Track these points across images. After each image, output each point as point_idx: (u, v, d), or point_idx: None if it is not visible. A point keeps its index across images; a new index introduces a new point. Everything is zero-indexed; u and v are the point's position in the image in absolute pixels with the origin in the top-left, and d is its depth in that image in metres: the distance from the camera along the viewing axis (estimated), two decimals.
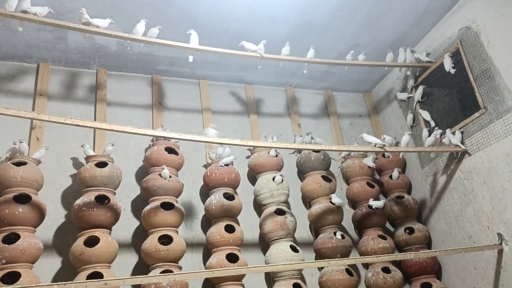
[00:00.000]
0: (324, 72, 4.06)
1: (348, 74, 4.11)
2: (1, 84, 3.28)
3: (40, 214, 2.69)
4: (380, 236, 3.38)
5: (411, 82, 3.85)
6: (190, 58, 3.02)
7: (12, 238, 2.54)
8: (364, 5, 3.27)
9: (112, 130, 2.46)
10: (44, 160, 2.98)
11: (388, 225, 3.70)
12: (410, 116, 3.80)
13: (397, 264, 3.44)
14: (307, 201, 3.62)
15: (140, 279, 2.27)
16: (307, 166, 3.54)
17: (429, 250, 3.37)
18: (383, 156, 3.82)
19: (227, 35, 3.35)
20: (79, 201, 2.78)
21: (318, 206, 3.37)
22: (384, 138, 3.06)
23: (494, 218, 2.97)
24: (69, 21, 2.77)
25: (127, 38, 2.82)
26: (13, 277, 2.44)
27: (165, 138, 3.12)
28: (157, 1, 3.00)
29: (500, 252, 2.90)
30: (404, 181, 3.71)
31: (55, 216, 2.98)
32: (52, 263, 2.85)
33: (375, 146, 3.00)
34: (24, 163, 2.75)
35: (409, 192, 3.75)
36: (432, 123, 3.52)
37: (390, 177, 3.70)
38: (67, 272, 2.80)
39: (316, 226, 3.44)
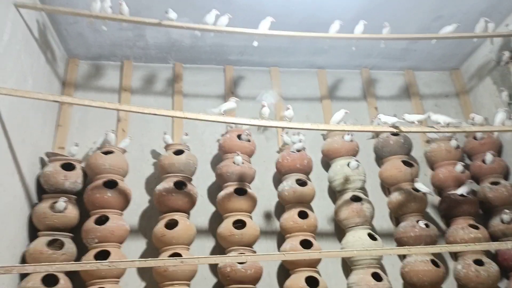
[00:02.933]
0: (403, 50, 3.78)
1: (431, 51, 3.77)
2: (91, 82, 3.61)
3: (126, 198, 2.91)
4: (471, 226, 3.05)
5: (506, 55, 3.39)
6: (255, 43, 3.02)
7: (102, 220, 2.78)
8: None
9: (186, 118, 2.57)
10: (129, 150, 3.21)
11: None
12: (505, 93, 3.36)
13: (492, 257, 3.07)
14: (386, 187, 3.41)
15: (213, 259, 2.34)
16: (385, 150, 3.33)
17: None
18: (475, 138, 3.44)
19: (295, 19, 3.28)
20: (159, 187, 2.95)
21: (399, 193, 3.15)
22: (473, 118, 2.74)
23: None
24: (146, 17, 2.95)
25: (197, 28, 2.91)
26: (105, 255, 2.67)
27: (236, 125, 3.17)
28: None
29: None
30: (499, 165, 3.31)
31: (140, 201, 3.20)
32: (138, 245, 3.07)
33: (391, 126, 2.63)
34: (111, 152, 3.00)
35: (506, 178, 3.33)
36: None
37: (483, 161, 3.31)
38: (151, 252, 3.00)
39: (396, 214, 3.22)
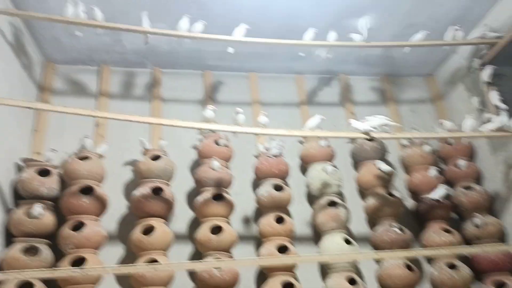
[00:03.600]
0: (378, 56, 3.86)
1: (405, 57, 3.83)
2: (68, 86, 3.59)
3: (103, 204, 2.90)
4: (444, 230, 3.13)
5: (477, 62, 3.50)
6: (230, 50, 3.05)
7: (79, 226, 2.77)
8: None
9: (161, 124, 2.60)
10: (108, 155, 3.20)
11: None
12: (475, 99, 3.46)
13: (465, 261, 3.16)
14: (363, 192, 3.48)
15: (187, 265, 2.36)
16: (361, 156, 3.40)
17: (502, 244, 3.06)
18: (448, 143, 3.53)
19: (272, 25, 3.31)
20: (136, 192, 2.95)
21: (374, 198, 3.21)
22: (441, 123, 2.83)
23: None
24: (122, 23, 2.96)
25: (172, 35, 2.93)
26: (81, 261, 2.65)
27: (212, 131, 3.20)
28: None
29: None
30: (472, 170, 3.40)
31: (118, 206, 3.18)
32: (116, 250, 3.05)
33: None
34: (88, 158, 2.98)
35: (478, 182, 3.43)
36: (502, 106, 3.17)
37: (456, 166, 3.41)
38: (129, 257, 2.98)
39: (372, 218, 3.29)
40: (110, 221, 3.10)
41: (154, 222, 2.87)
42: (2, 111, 2.75)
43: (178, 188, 3.28)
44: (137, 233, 2.82)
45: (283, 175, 3.21)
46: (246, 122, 3.49)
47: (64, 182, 2.98)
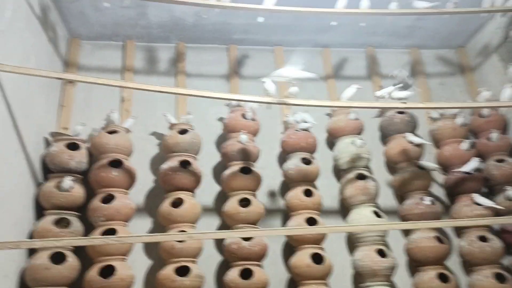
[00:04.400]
0: (409, 27, 3.72)
1: (436, 28, 3.71)
2: (93, 62, 3.58)
3: (132, 177, 2.92)
4: (475, 203, 3.05)
5: None
6: (260, 19, 2.98)
7: (108, 199, 2.79)
8: None
9: (190, 95, 2.56)
10: (133, 130, 3.21)
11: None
12: (511, 69, 3.31)
13: (496, 233, 3.08)
14: (391, 166, 3.41)
15: (220, 234, 2.36)
16: (390, 129, 3.31)
17: None
18: (480, 116, 3.42)
19: None
20: (164, 166, 2.96)
21: (403, 171, 3.14)
22: (480, 93, 2.72)
23: None
24: None
25: (201, 4, 2.86)
26: (111, 233, 2.69)
27: (244, 104, 3.16)
28: None
29: None
30: (505, 142, 3.29)
31: (145, 180, 3.20)
32: (144, 223, 3.08)
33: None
34: (116, 132, 2.99)
35: (511, 155, 3.32)
36: None
37: (489, 139, 3.30)
38: (157, 231, 3.01)
39: (401, 192, 3.23)
40: (137, 194, 3.12)
41: (183, 195, 2.88)
42: (31, 85, 2.76)
43: (204, 161, 3.28)
44: (166, 206, 2.84)
45: (311, 149, 3.17)
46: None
47: (92, 156, 3.01)
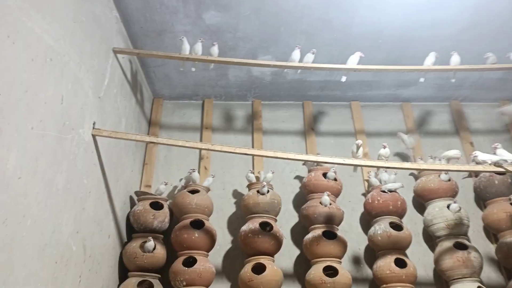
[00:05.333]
0: (499, 80, 3.48)
1: None
2: (174, 120, 3.70)
3: (212, 239, 2.85)
4: None
5: None
6: (343, 78, 2.91)
7: (189, 262, 2.73)
8: None
9: (275, 157, 2.48)
10: (211, 188, 3.19)
11: None
12: None
13: None
14: (492, 233, 3.05)
15: None
16: (489, 191, 2.99)
17: None
18: None
19: (381, 51, 3.15)
20: (245, 227, 2.86)
21: (511, 240, 2.78)
22: None
23: None
24: (231, 57, 2.99)
25: (285, 66, 2.87)
26: None
27: (317, 163, 3.04)
28: (310, 28, 3.01)
29: None
30: None
31: (223, 241, 3.13)
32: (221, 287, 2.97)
33: None
34: (197, 191, 2.98)
35: None
36: None
37: None
38: None
39: (508, 264, 2.84)
40: (215, 256, 3.04)
41: (264, 260, 2.74)
42: (120, 146, 2.87)
43: (282, 223, 3.15)
44: (247, 272, 2.70)
45: (400, 213, 2.93)
46: (350, 153, 3.35)
47: (172, 215, 3.00)
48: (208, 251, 2.84)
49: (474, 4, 2.79)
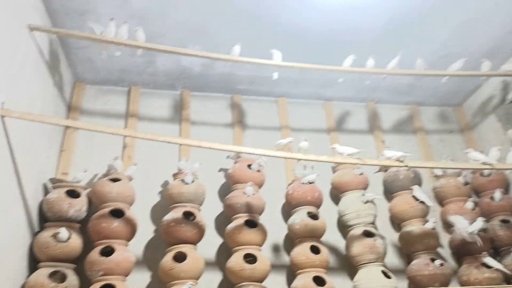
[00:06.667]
0: (409, 85, 3.84)
1: (435, 87, 3.84)
2: (97, 106, 3.54)
3: (133, 228, 2.79)
4: (483, 265, 3.00)
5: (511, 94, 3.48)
6: (275, 75, 3.03)
7: (107, 251, 2.65)
8: (457, 11, 3.05)
9: (200, 146, 2.52)
10: (134, 177, 3.12)
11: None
12: (511, 131, 3.41)
13: None
14: (396, 223, 3.37)
15: None
16: (395, 185, 3.31)
17: None
18: (482, 175, 3.45)
19: (307, 51, 3.31)
20: (167, 217, 2.85)
21: (411, 229, 3.10)
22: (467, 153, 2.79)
23: None
24: (159, 44, 2.94)
25: (212, 57, 2.89)
26: None
27: (246, 154, 3.13)
28: (237, 21, 3.07)
29: None
30: (508, 202, 3.30)
31: (145, 231, 3.07)
32: (142, 277, 2.92)
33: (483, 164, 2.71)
34: (118, 180, 2.90)
35: None
36: None
37: (492, 198, 3.31)
38: (156, 286, 2.86)
39: (408, 251, 3.16)
40: (136, 246, 2.98)
41: (186, 248, 2.75)
42: (34, 129, 2.68)
43: (206, 213, 3.18)
44: (168, 260, 2.70)
45: (318, 203, 3.12)
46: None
47: (91, 204, 2.89)
48: (128, 240, 2.77)
49: (388, 14, 3.05)
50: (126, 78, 3.59)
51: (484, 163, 2.73)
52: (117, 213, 2.77)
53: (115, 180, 2.89)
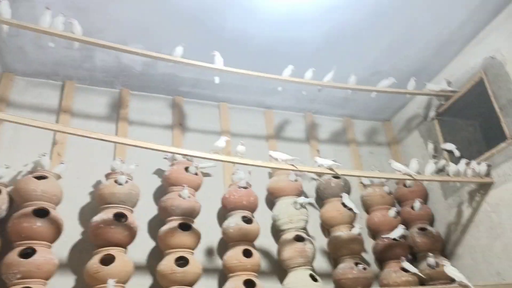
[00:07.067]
0: (343, 99, 4.05)
1: (367, 102, 4.09)
2: (27, 100, 3.34)
3: (57, 229, 2.66)
4: (402, 269, 3.23)
5: (433, 112, 3.81)
6: (217, 80, 3.06)
7: (28, 253, 2.49)
8: (387, 32, 3.29)
9: (135, 145, 2.47)
10: (64, 176, 2.97)
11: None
12: (430, 146, 3.73)
13: None
14: (326, 228, 3.53)
15: None
16: (327, 192, 3.47)
17: (454, 285, 3.20)
18: (404, 185, 3.73)
19: (249, 58, 3.38)
20: (97, 218, 2.75)
21: (338, 234, 3.27)
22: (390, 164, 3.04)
23: None
24: (98, 39, 2.85)
25: (155, 57, 2.86)
26: None
27: (184, 157, 3.12)
28: (181, 23, 3.06)
29: None
30: (426, 212, 3.60)
31: (71, 233, 2.94)
32: (65, 281, 2.79)
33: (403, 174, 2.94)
34: (45, 177, 2.75)
35: (431, 224, 3.63)
36: (457, 153, 3.44)
37: (412, 207, 3.59)
38: None
39: (335, 255, 3.33)
40: (61, 248, 2.83)
41: (115, 251, 2.67)
42: None
43: (139, 215, 3.12)
44: (94, 263, 2.60)
45: (252, 208, 3.18)
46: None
47: (13, 203, 2.71)
48: (52, 242, 2.63)
49: (326, 27, 3.21)
50: (61, 72, 3.43)
51: (404, 174, 2.95)
52: (41, 213, 2.62)
53: (40, 177, 2.73)
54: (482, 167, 3.12)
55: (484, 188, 3.18)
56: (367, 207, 3.65)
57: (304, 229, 3.30)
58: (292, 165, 2.78)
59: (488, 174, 3.13)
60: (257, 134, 3.96)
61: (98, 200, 2.89)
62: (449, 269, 2.80)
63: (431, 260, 3.26)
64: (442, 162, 3.41)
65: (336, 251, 3.27)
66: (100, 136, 2.38)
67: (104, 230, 2.68)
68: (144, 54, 2.83)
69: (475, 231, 3.26)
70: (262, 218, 3.39)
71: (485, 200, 3.17)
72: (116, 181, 2.88)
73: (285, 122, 4.14)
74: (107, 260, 2.63)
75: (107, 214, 2.74)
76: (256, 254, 2.99)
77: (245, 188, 3.18)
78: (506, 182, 3.02)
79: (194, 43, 3.08)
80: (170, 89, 3.74)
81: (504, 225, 3.00)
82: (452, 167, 3.15)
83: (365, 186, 3.73)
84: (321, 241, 3.51)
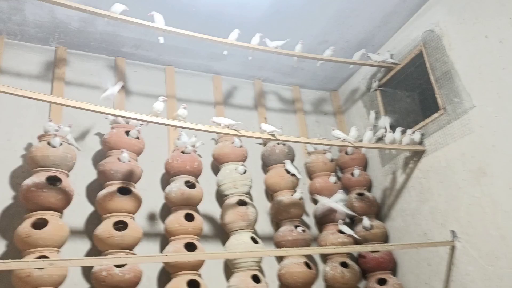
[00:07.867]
0: (292, 67, 4.05)
1: (315, 71, 4.13)
2: None
3: None
4: (339, 231, 3.40)
5: (375, 83, 3.92)
6: (161, 40, 2.94)
7: None
8: (333, 0, 3.29)
9: (68, 105, 2.34)
10: None
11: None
12: (372, 115, 3.87)
13: (355, 260, 3.48)
14: (270, 194, 3.60)
15: (89, 261, 2.15)
16: (271, 158, 3.52)
17: (385, 244, 3.43)
18: (346, 153, 3.87)
19: (196, 20, 3.27)
20: (28, 181, 2.61)
21: (280, 199, 3.35)
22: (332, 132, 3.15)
23: (448, 216, 3.07)
24: None
25: (88, 11, 2.67)
26: None
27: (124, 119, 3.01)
28: None
29: (452, 248, 2.99)
30: (365, 178, 3.77)
31: (2, 197, 2.79)
32: None
33: (342, 141, 3.04)
34: None
35: (369, 190, 3.81)
36: (388, 128, 3.55)
37: (352, 174, 3.74)
38: (12, 256, 2.60)
39: (277, 219, 3.42)
40: None
41: (48, 215, 2.56)
42: None
43: (78, 179, 3.01)
44: (25, 227, 2.49)
45: (196, 173, 3.16)
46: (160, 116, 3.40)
47: None
48: None
49: None
50: None
51: (343, 140, 3.05)
52: None
53: None
54: (416, 136, 3.29)
55: (417, 155, 3.37)
56: (311, 174, 3.76)
57: (248, 194, 3.35)
58: (235, 130, 2.77)
59: (421, 143, 3.30)
60: (205, 100, 3.89)
61: (30, 163, 2.74)
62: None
63: (366, 222, 3.45)
64: (382, 131, 3.56)
65: (278, 215, 3.36)
66: (27, 94, 2.22)
67: (36, 193, 2.55)
68: (78, 8, 2.63)
69: (407, 196, 3.47)
70: (207, 184, 3.41)
71: (417, 167, 3.37)
72: (49, 143, 2.73)
73: (233, 88, 4.09)
74: (40, 224, 2.53)
75: (39, 177, 2.61)
76: (198, 218, 3.00)
77: (188, 153, 3.14)
78: (436, 150, 3.21)
79: (137, 2, 2.91)
80: (111, 49, 3.55)
81: (432, 190, 3.21)
82: (388, 136, 3.29)
83: (309, 153, 3.82)
84: (265, 206, 3.59)
